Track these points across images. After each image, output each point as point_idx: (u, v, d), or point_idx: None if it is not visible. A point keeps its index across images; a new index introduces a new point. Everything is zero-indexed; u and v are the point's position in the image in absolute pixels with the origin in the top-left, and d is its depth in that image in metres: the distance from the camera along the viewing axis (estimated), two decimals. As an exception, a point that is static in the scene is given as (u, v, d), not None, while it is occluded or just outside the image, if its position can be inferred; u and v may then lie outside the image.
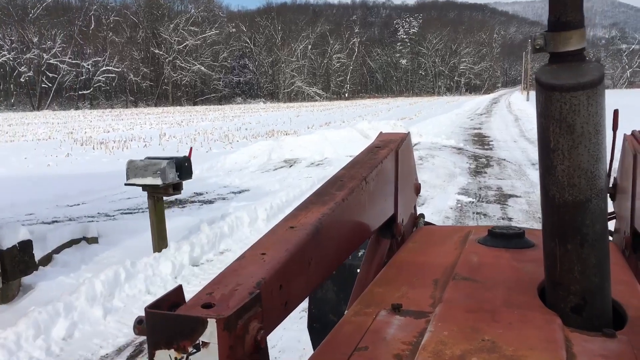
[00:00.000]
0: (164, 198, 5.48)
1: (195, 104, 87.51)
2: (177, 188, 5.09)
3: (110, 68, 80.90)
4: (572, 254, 1.08)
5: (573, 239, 1.08)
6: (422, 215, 1.99)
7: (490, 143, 17.67)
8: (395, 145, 1.72)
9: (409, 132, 1.90)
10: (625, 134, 1.78)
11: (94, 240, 5.78)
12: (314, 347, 2.40)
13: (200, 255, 5.45)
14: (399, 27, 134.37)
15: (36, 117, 50.52)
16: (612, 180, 1.86)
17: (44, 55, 76.00)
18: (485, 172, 11.25)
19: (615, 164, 1.84)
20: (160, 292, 4.62)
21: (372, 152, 1.67)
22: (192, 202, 9.29)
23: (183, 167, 5.06)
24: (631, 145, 1.67)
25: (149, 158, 5.23)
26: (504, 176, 10.81)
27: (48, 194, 10.10)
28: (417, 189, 1.94)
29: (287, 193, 8.90)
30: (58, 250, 5.55)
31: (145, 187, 5.03)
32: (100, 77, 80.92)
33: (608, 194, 1.60)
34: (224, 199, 9.48)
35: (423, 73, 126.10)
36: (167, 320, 0.77)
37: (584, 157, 1.03)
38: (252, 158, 14.96)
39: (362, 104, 70.47)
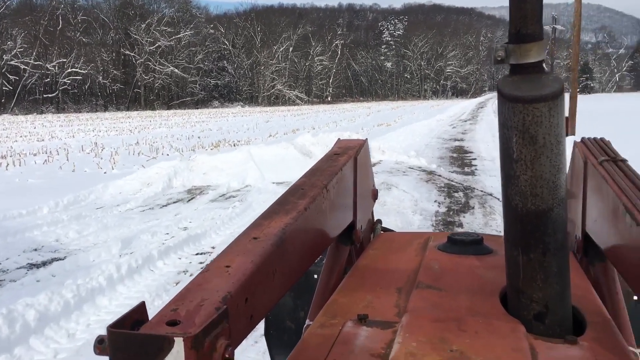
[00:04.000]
0: None
1: (169, 108, 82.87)
2: None
3: (76, 70, 76.13)
4: (534, 263, 1.10)
5: (536, 248, 1.09)
6: (379, 221, 1.98)
7: (473, 163, 13.64)
8: (354, 152, 1.71)
9: (366, 139, 1.88)
10: (575, 141, 1.81)
11: None
12: (270, 353, 2.39)
13: None
14: (384, 30, 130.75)
15: (-20, 122, 45.95)
16: None
17: (4, 56, 71.16)
18: (461, 223, 7.16)
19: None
20: None
21: (332, 159, 1.65)
22: None
23: None
24: (581, 152, 1.71)
25: None
26: (489, 232, 6.68)
27: None
28: (375, 195, 1.94)
29: (98, 275, 4.83)
30: None
31: None
32: (65, 80, 76.04)
33: None
34: (-9, 284, 5.35)
35: (409, 76, 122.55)
36: (131, 339, 0.73)
37: (546, 167, 1.05)
38: (145, 185, 10.84)
39: (343, 108, 66.72)
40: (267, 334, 2.41)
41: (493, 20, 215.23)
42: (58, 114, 65.60)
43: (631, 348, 1.20)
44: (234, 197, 9.86)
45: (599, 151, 1.70)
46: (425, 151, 15.83)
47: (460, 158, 14.64)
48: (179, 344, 0.70)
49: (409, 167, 11.77)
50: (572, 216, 1.73)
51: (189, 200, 9.79)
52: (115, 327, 0.74)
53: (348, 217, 1.62)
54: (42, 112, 69.83)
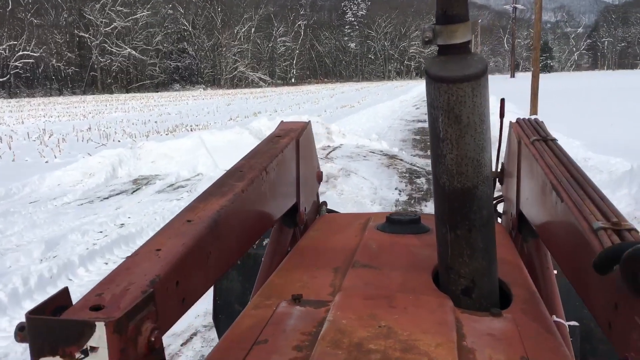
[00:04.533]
0: None
1: (128, 91, 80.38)
2: None
3: (28, 53, 72.99)
4: (461, 239, 1.12)
5: (462, 224, 1.11)
6: (324, 203, 1.96)
7: (436, 145, 13.12)
8: (296, 135, 1.67)
9: (309, 121, 1.84)
10: (511, 121, 1.80)
11: None
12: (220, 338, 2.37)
13: None
14: (347, 10, 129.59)
15: None
16: (500, 165, 1.90)
17: (-51, 39, 67.76)
18: (423, 212, 6.69)
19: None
20: None
21: (273, 141, 1.61)
22: None
23: None
24: (516, 132, 1.71)
25: None
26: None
27: None
28: (319, 177, 1.90)
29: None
30: None
31: None
32: (17, 63, 72.87)
33: (497, 178, 1.65)
34: None
35: (372, 57, 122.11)
36: (51, 325, 0.71)
37: (471, 146, 1.06)
38: (87, 176, 10.04)
39: (307, 90, 65.79)
40: (216, 319, 2.40)
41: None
42: (9, 99, 62.82)
43: (558, 319, 1.26)
44: (182, 187, 9.18)
45: (532, 131, 1.68)
46: (387, 134, 15.34)
47: (423, 140, 14.20)
48: (100, 329, 0.68)
49: (370, 151, 11.25)
50: (509, 195, 1.76)
51: (134, 191, 9.05)
52: (36, 313, 0.71)
53: (290, 199, 1.59)
54: (-7, 97, 66.91)
